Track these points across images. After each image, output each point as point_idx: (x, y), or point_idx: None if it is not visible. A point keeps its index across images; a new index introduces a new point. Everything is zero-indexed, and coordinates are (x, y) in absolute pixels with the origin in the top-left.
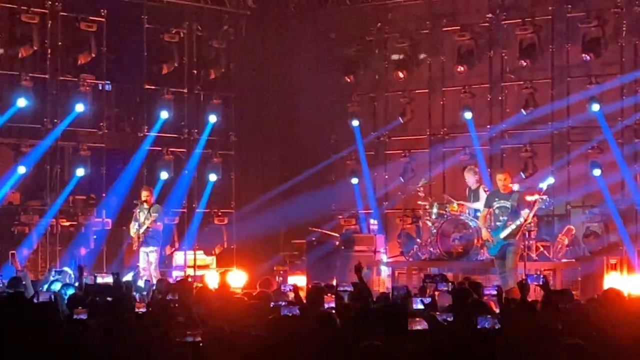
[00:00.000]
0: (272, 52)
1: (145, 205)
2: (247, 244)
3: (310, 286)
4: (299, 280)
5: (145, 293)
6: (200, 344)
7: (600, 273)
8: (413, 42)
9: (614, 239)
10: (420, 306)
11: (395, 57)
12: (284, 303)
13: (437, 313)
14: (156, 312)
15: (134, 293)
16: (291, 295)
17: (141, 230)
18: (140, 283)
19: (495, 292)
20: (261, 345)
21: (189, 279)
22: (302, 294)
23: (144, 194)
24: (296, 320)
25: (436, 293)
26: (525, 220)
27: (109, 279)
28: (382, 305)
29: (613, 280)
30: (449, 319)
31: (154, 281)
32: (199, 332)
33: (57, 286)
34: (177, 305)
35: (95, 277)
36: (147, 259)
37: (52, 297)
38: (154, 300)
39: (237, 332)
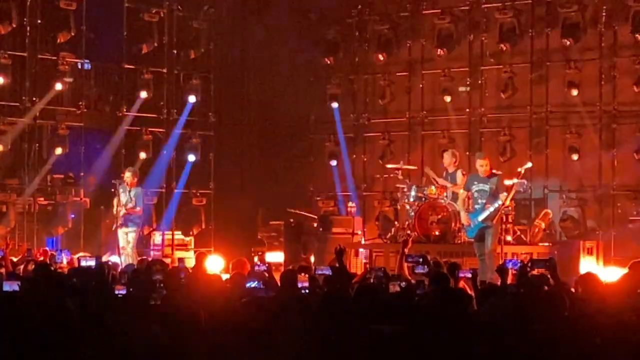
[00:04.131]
0: (252, 33)
1: (128, 187)
2: (225, 225)
3: (285, 270)
4: (277, 256)
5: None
6: (176, 329)
7: (577, 257)
8: (393, 24)
9: (591, 224)
10: (397, 289)
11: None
12: (258, 285)
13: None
14: (136, 294)
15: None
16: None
17: (121, 212)
18: (115, 258)
19: (470, 275)
20: (236, 328)
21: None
22: (278, 275)
23: (128, 176)
24: (270, 303)
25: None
26: (503, 204)
27: (92, 263)
28: (359, 288)
29: (589, 264)
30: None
31: (130, 261)
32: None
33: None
34: (161, 285)
35: (79, 260)
36: (126, 238)
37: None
38: (135, 282)
39: (212, 315)
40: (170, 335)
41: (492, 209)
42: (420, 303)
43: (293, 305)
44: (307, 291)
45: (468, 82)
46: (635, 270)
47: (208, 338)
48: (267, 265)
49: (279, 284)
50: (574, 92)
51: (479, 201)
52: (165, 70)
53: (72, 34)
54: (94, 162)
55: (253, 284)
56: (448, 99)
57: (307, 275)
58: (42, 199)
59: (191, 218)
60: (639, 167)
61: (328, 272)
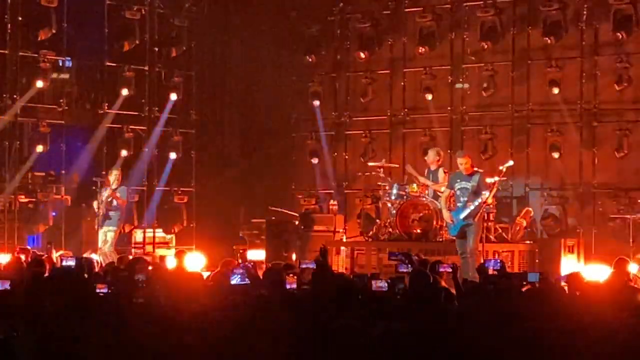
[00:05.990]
0: (233, 31)
1: (110, 187)
2: (207, 223)
3: (269, 265)
4: (258, 254)
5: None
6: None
7: (558, 255)
8: (375, 22)
9: (572, 222)
10: (382, 286)
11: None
12: (242, 279)
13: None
14: (118, 293)
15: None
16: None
17: (102, 212)
18: (93, 256)
19: (450, 270)
20: (223, 326)
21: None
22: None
23: (115, 177)
24: (258, 301)
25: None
26: (485, 202)
27: (72, 262)
28: (344, 285)
29: (570, 262)
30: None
31: (109, 259)
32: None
33: None
34: (143, 285)
35: (62, 260)
36: (105, 237)
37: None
38: (115, 280)
39: (197, 314)
40: (152, 333)
41: (473, 207)
42: (400, 302)
43: (283, 302)
44: (295, 291)
45: (461, 81)
46: (619, 267)
47: (190, 336)
48: (251, 263)
49: (262, 279)
50: (555, 91)
51: (461, 199)
52: (146, 68)
53: (53, 31)
54: (75, 160)
55: (237, 278)
56: (429, 97)
57: (295, 277)
58: (23, 196)
59: (172, 216)
60: (620, 166)
61: (312, 265)
